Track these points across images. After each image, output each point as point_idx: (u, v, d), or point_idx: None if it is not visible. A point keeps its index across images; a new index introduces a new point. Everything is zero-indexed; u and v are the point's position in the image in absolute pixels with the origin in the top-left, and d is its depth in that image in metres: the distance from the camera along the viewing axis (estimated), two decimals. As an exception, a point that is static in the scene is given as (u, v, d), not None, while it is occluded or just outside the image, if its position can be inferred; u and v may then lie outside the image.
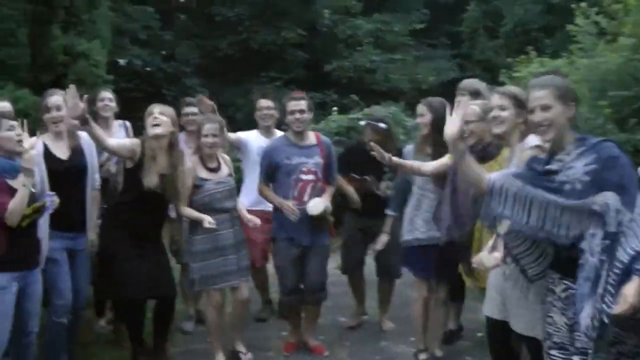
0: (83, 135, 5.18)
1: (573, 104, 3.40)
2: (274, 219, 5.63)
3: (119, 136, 6.04)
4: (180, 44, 14.74)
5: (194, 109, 6.24)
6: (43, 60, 6.81)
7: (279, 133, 6.33)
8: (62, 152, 5.02)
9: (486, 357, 4.96)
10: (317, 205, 5.41)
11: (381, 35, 17.06)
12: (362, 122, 6.77)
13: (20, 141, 4.39)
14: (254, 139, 6.39)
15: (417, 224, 5.25)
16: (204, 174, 5.32)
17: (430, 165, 4.95)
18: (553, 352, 3.50)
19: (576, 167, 3.26)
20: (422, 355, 5.42)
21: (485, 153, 4.65)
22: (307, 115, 5.55)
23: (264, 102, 6.41)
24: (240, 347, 5.59)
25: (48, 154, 4.91)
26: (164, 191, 5.16)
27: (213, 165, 5.37)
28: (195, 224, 5.31)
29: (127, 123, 6.35)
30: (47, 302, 4.96)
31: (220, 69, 15.16)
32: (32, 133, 5.07)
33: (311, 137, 5.65)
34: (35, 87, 6.33)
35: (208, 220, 5.12)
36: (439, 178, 4.90)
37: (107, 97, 6.08)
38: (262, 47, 14.74)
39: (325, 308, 5.91)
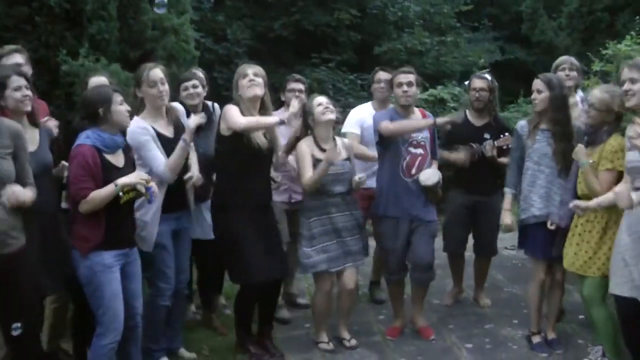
0: (179, 107, 5.06)
1: None
2: (380, 195, 5.51)
3: None
4: (232, 25, 14.52)
5: (301, 86, 6.03)
6: (132, 35, 6.66)
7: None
8: (166, 130, 4.88)
9: (597, 341, 4.93)
10: (432, 175, 5.32)
11: (429, 17, 16.82)
12: (466, 82, 6.67)
13: (129, 115, 4.31)
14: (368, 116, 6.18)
15: (532, 200, 5.13)
16: (318, 154, 5.20)
17: None
18: None
19: None
20: (536, 338, 5.29)
21: (595, 137, 4.69)
22: (415, 89, 5.41)
23: (384, 75, 6.22)
24: (345, 334, 5.52)
25: (157, 134, 4.80)
26: (269, 150, 5.05)
27: (328, 146, 5.23)
28: (310, 207, 5.23)
29: (216, 105, 6.22)
30: (149, 284, 4.86)
31: (272, 50, 14.98)
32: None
33: (417, 113, 5.53)
34: (123, 63, 6.18)
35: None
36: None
37: (199, 76, 5.96)
38: (317, 29, 14.54)
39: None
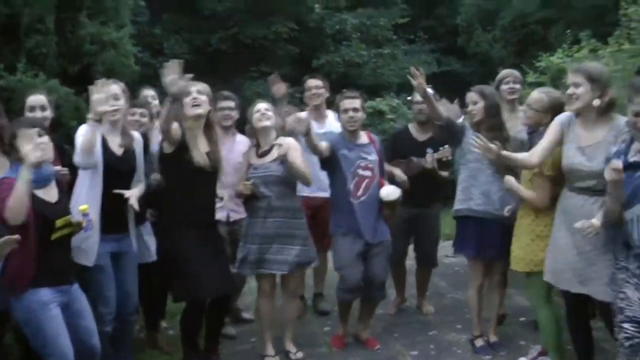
0: (136, 136, 4.99)
1: None
2: (335, 213, 5.49)
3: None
4: (170, 39, 14.44)
5: (231, 103, 6.02)
6: (70, 50, 6.56)
7: (330, 114, 6.23)
8: (116, 147, 4.81)
9: (537, 341, 5.10)
10: (393, 192, 5.37)
11: (366, 30, 17.02)
12: (409, 97, 6.74)
13: (44, 149, 4.05)
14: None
15: (473, 194, 5.23)
16: (253, 160, 5.31)
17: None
18: (625, 325, 3.81)
19: None
20: (479, 342, 5.37)
21: (532, 141, 4.82)
22: (361, 114, 5.45)
23: (313, 82, 6.30)
24: (290, 347, 5.51)
25: (104, 146, 4.71)
26: (213, 168, 5.01)
27: (263, 149, 5.32)
28: (248, 208, 5.32)
29: None
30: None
31: (210, 64, 14.93)
32: (64, 126, 4.89)
33: (363, 136, 5.56)
34: (62, 78, 6.10)
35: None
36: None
37: (150, 95, 6.01)
38: (255, 42, 14.56)
39: (356, 302, 5.67)
